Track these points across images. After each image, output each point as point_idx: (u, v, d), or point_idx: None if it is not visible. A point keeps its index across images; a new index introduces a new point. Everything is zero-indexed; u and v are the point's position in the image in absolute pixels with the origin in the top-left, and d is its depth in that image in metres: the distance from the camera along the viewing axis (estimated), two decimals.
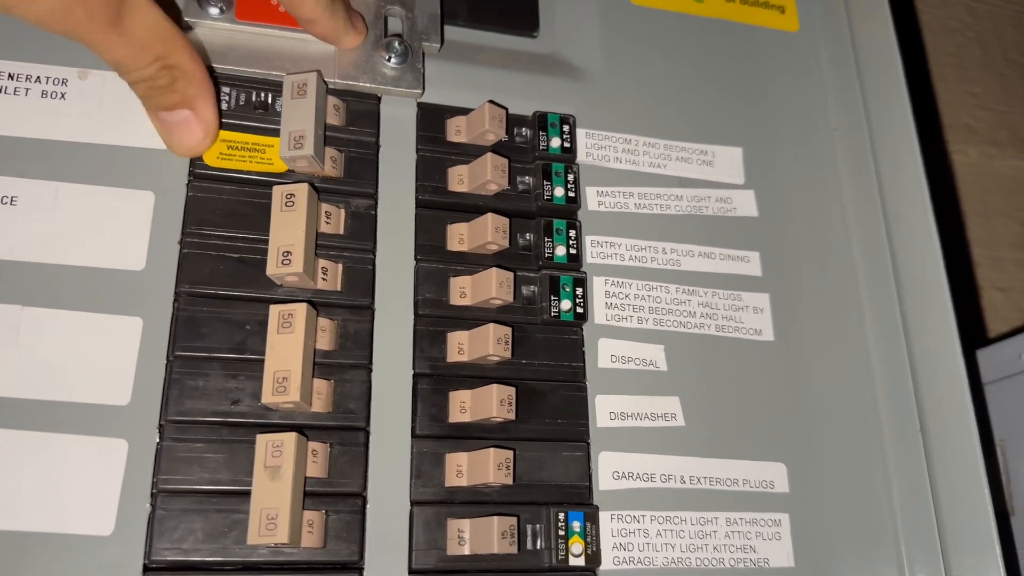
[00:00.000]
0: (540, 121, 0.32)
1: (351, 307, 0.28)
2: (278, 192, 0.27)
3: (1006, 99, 0.63)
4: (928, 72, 0.60)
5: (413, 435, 0.27)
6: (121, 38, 0.24)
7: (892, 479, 0.32)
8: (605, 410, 0.30)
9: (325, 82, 0.30)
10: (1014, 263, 0.57)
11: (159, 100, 0.26)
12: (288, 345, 0.25)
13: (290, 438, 0.24)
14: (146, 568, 0.24)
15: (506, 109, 0.32)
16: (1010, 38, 0.66)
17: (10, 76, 0.28)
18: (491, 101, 0.31)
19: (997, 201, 0.59)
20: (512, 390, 0.27)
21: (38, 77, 0.28)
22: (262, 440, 0.25)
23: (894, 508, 0.31)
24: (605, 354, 0.31)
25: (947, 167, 0.59)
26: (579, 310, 0.30)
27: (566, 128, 0.32)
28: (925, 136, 0.34)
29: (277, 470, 0.24)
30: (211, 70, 0.29)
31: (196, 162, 0.28)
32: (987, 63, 0.63)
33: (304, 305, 0.26)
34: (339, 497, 0.26)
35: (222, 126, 0.28)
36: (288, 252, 0.26)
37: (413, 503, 0.27)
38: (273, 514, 0.24)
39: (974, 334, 0.53)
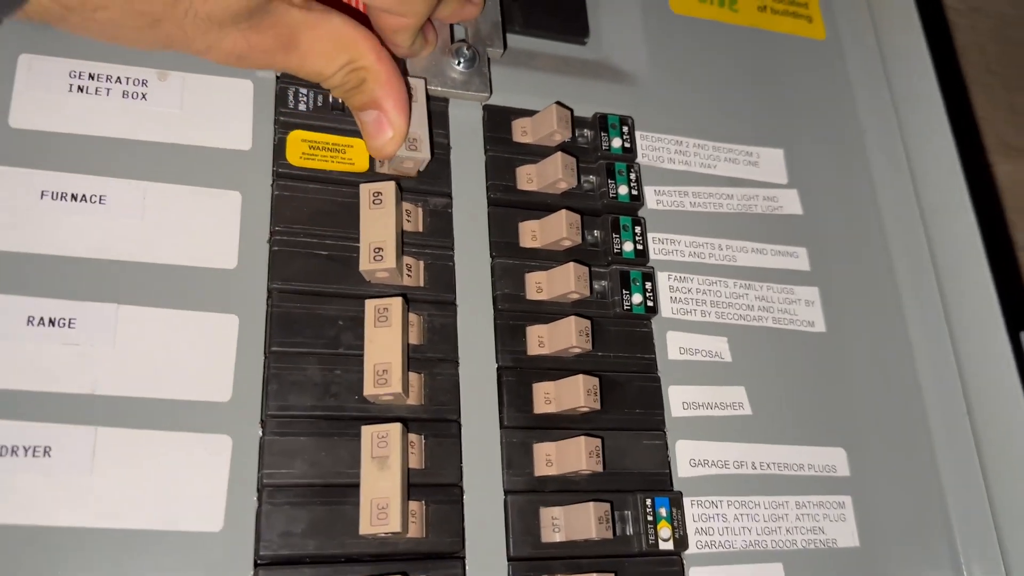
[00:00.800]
0: (601, 122, 0.33)
1: (436, 303, 0.29)
2: (366, 190, 0.28)
3: (991, 107, 0.66)
4: (963, 84, 0.63)
5: (502, 426, 0.28)
6: (304, 58, 0.25)
7: (939, 458, 0.33)
8: (678, 400, 0.31)
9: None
10: None
11: (352, 101, 0.27)
12: (386, 338, 0.26)
13: (395, 428, 0.25)
14: (257, 563, 0.24)
15: (571, 111, 0.33)
16: (991, 51, 0.70)
17: (91, 76, 0.28)
18: (558, 103, 0.32)
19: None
20: (596, 380, 0.28)
21: (118, 78, 0.28)
22: (367, 431, 0.25)
23: (942, 483, 0.33)
24: (674, 346, 0.32)
25: (985, 176, 0.61)
26: (649, 303, 0.31)
27: (626, 129, 0.34)
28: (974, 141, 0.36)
29: (385, 460, 0.24)
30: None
31: (280, 162, 0.28)
32: (971, 74, 0.67)
33: (399, 299, 0.26)
34: (438, 488, 0.26)
35: (302, 126, 0.29)
36: (380, 248, 0.27)
37: (507, 492, 0.27)
38: (384, 503, 0.24)
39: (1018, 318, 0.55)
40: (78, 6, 0.23)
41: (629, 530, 0.28)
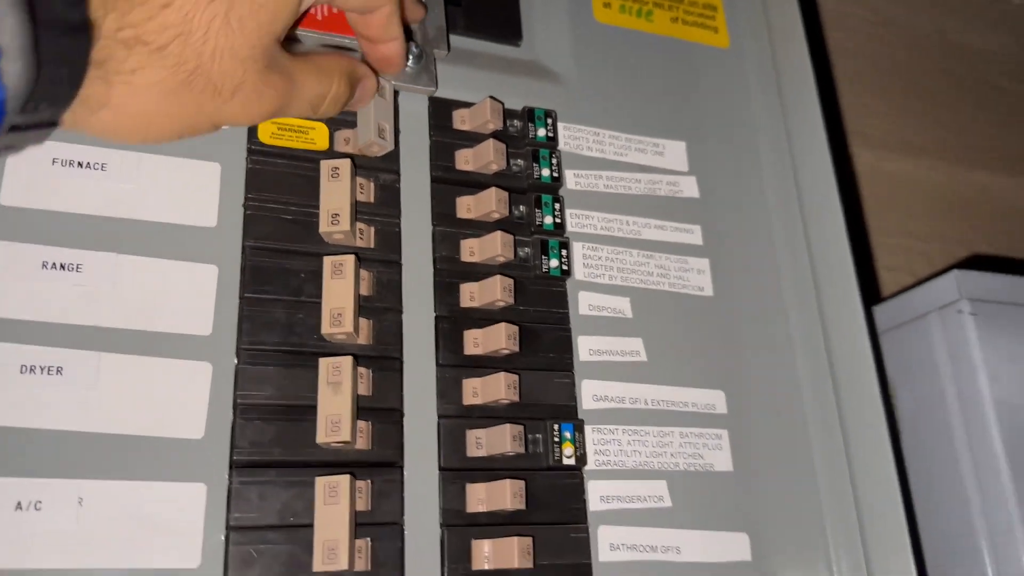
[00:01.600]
0: (529, 114, 0.39)
1: (384, 262, 0.34)
2: (325, 165, 0.33)
3: (895, 111, 0.74)
4: (833, 87, 0.70)
5: (437, 364, 0.34)
6: (305, 101, 0.31)
7: (807, 402, 0.40)
8: (586, 347, 0.37)
9: None
10: (900, 247, 0.68)
11: (344, 105, 0.33)
12: (341, 288, 0.31)
13: (347, 360, 0.31)
14: (232, 466, 0.29)
15: (503, 104, 0.38)
16: (900, 59, 0.78)
17: None
18: (491, 97, 0.38)
19: (886, 196, 0.70)
20: (516, 328, 0.34)
21: None
22: (324, 362, 0.31)
23: (807, 421, 0.40)
24: (584, 303, 0.38)
25: (847, 166, 0.69)
26: (564, 267, 0.37)
27: (550, 121, 0.40)
28: (838, 135, 0.43)
29: (338, 385, 0.30)
30: None
31: (253, 140, 0.34)
32: (880, 80, 0.74)
33: (352, 256, 0.32)
34: (382, 411, 0.32)
35: None
36: (336, 214, 0.32)
37: (440, 416, 0.33)
38: (337, 419, 0.30)
39: (871, 296, 0.63)
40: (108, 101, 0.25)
41: (540, 449, 0.34)
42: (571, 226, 0.39)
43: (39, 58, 0.22)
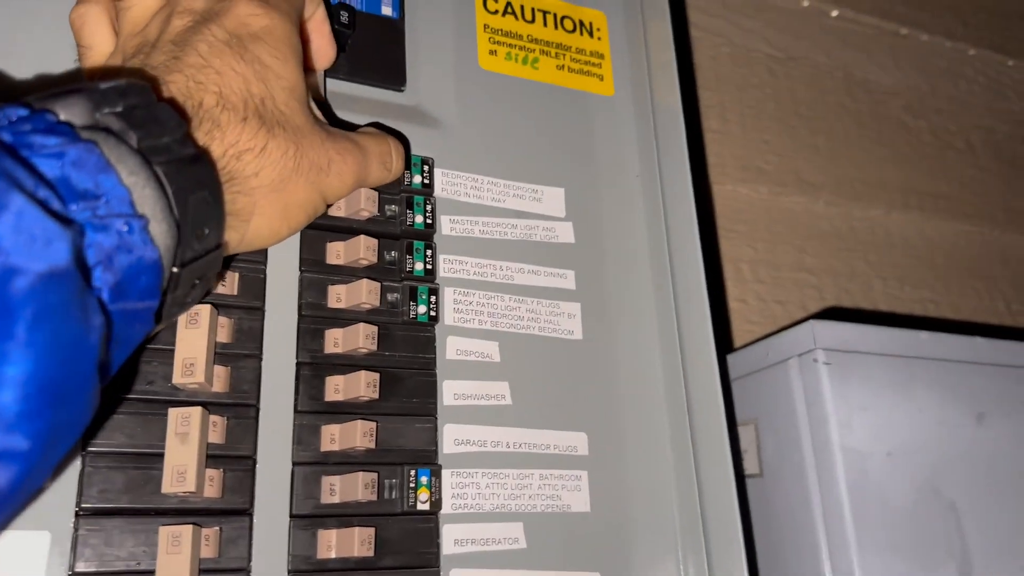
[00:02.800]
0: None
1: (246, 308, 0.35)
2: None
3: (794, 147, 0.77)
4: (700, 128, 0.72)
5: (295, 410, 0.35)
6: (376, 158, 0.37)
7: (666, 447, 0.42)
8: (451, 392, 0.38)
9: None
10: (792, 281, 0.70)
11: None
12: (195, 337, 0.32)
13: (196, 411, 0.31)
14: (78, 512, 0.30)
15: None
16: (801, 96, 0.81)
17: None
18: None
19: (783, 231, 0.72)
20: (377, 375, 0.35)
21: None
22: (173, 412, 0.31)
23: (667, 462, 0.42)
24: (452, 348, 0.39)
25: (709, 206, 0.71)
26: (432, 313, 0.38)
27: (426, 168, 0.41)
28: (702, 175, 0.45)
29: (186, 435, 0.31)
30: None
31: None
32: (780, 116, 0.77)
33: (208, 306, 0.33)
34: (234, 459, 0.33)
35: None
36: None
37: (295, 464, 0.34)
38: (183, 470, 0.30)
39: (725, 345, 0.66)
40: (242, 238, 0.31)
41: (394, 495, 0.35)
42: (444, 271, 0.40)
43: (178, 198, 0.26)
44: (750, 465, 0.49)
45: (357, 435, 0.34)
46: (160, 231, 0.26)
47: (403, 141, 0.40)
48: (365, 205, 0.37)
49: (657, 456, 0.42)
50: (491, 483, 0.37)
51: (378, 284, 0.37)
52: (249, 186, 0.30)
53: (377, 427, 0.35)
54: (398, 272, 0.39)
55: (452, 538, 0.36)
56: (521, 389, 0.40)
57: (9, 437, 0.21)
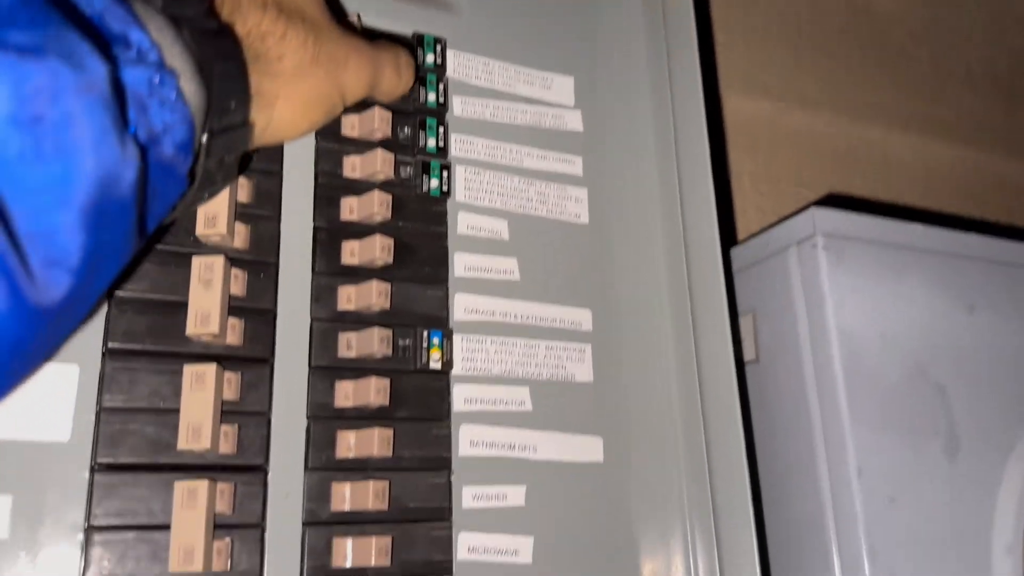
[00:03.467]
0: (418, 40, 0.41)
1: (263, 172, 0.36)
2: None
3: (797, 66, 0.77)
4: (710, 30, 0.72)
5: (313, 271, 0.36)
6: (390, 65, 0.37)
7: (668, 325, 0.44)
8: (461, 264, 0.39)
9: None
10: (791, 196, 0.72)
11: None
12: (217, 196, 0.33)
13: (219, 259, 0.32)
14: (105, 352, 0.31)
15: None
16: (806, 17, 0.81)
17: None
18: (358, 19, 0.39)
19: (783, 147, 0.73)
20: (391, 240, 0.36)
21: None
22: (197, 261, 0.32)
23: (667, 339, 0.43)
24: (463, 223, 0.40)
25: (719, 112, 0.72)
26: (444, 189, 0.39)
27: (439, 47, 0.41)
28: (712, 87, 0.45)
29: (210, 282, 0.32)
30: None
31: None
32: (785, 35, 0.77)
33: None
34: (254, 311, 0.34)
35: None
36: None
37: (313, 319, 0.35)
38: (206, 313, 0.31)
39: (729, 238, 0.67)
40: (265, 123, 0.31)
41: (408, 353, 0.36)
42: (455, 151, 0.41)
43: (205, 67, 0.27)
44: (747, 352, 0.51)
45: (373, 294, 0.35)
46: (190, 89, 0.26)
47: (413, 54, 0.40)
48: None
49: (658, 336, 0.43)
50: (499, 350, 0.39)
51: (392, 155, 0.38)
52: (273, 69, 0.30)
53: (391, 289, 0.36)
54: (411, 148, 0.39)
55: (462, 397, 0.37)
56: (529, 266, 0.41)
57: (69, 242, 0.22)
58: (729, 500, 0.40)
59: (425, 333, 0.37)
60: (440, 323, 0.38)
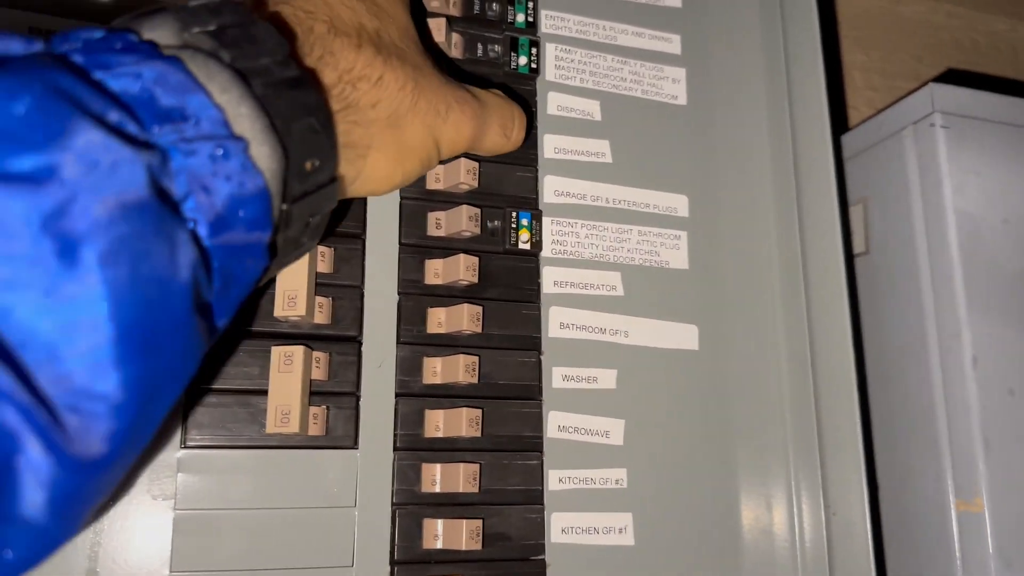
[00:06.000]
0: None
1: None
2: None
3: None
4: None
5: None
6: (495, 121, 0.33)
7: (771, 215, 0.41)
8: (551, 146, 0.38)
9: None
10: (906, 92, 0.66)
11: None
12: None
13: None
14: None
15: None
16: None
17: None
18: None
19: (899, 39, 0.67)
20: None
21: None
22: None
23: (769, 229, 0.41)
24: (553, 104, 0.39)
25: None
26: (533, 66, 0.38)
27: None
28: None
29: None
30: None
31: None
32: None
33: None
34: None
35: None
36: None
37: (402, 198, 0.35)
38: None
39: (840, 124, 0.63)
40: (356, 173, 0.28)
41: (497, 234, 0.36)
42: (545, 27, 0.39)
43: (280, 126, 0.23)
44: (857, 244, 0.48)
45: (460, 172, 0.34)
46: (262, 154, 0.22)
47: (526, 110, 0.36)
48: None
49: (760, 226, 0.41)
50: (590, 233, 0.38)
51: (471, 33, 0.36)
52: (367, 118, 0.27)
53: (480, 169, 0.35)
54: (499, 23, 0.38)
55: (552, 279, 0.36)
56: (622, 148, 0.39)
57: (98, 384, 0.19)
58: (833, 394, 0.38)
59: (514, 214, 0.36)
60: (529, 204, 0.37)
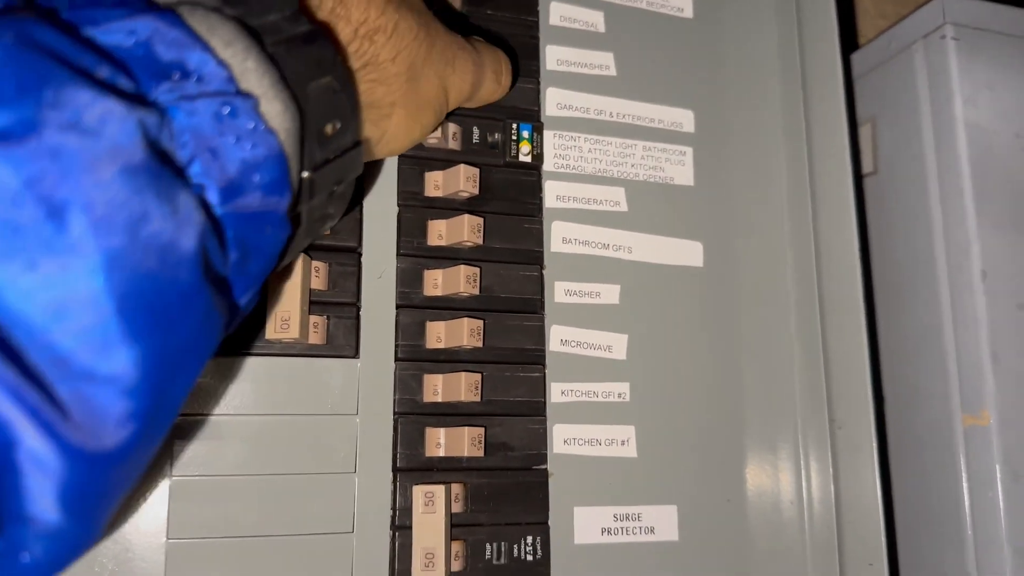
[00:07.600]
0: None
1: None
2: None
3: None
4: None
5: None
6: (489, 68, 0.32)
7: (779, 131, 0.40)
8: (554, 57, 0.37)
9: None
10: None
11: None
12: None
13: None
14: None
15: None
16: None
17: None
18: None
19: None
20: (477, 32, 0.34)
21: None
22: None
23: (777, 146, 0.40)
24: (555, 15, 0.37)
25: None
26: None
27: None
28: None
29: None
30: None
31: None
32: None
33: None
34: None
35: None
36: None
37: None
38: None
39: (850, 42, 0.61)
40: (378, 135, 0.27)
41: (497, 145, 0.35)
42: None
43: (294, 82, 0.21)
44: (865, 164, 0.47)
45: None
46: (274, 111, 0.20)
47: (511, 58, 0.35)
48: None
49: (768, 142, 0.40)
50: (593, 148, 0.37)
51: None
52: (388, 73, 0.26)
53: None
54: None
55: (554, 194, 0.36)
56: (626, 61, 0.38)
57: (104, 364, 0.17)
58: (840, 311, 0.38)
59: (514, 126, 0.35)
60: (531, 117, 0.36)
